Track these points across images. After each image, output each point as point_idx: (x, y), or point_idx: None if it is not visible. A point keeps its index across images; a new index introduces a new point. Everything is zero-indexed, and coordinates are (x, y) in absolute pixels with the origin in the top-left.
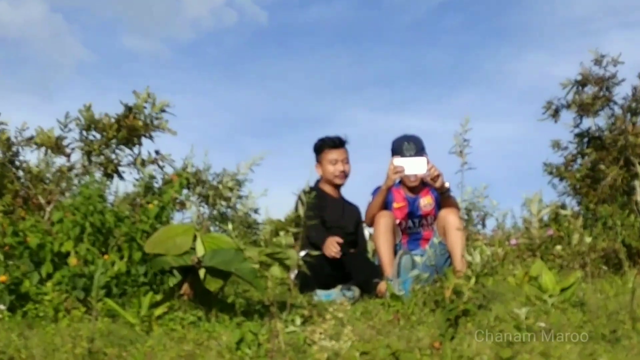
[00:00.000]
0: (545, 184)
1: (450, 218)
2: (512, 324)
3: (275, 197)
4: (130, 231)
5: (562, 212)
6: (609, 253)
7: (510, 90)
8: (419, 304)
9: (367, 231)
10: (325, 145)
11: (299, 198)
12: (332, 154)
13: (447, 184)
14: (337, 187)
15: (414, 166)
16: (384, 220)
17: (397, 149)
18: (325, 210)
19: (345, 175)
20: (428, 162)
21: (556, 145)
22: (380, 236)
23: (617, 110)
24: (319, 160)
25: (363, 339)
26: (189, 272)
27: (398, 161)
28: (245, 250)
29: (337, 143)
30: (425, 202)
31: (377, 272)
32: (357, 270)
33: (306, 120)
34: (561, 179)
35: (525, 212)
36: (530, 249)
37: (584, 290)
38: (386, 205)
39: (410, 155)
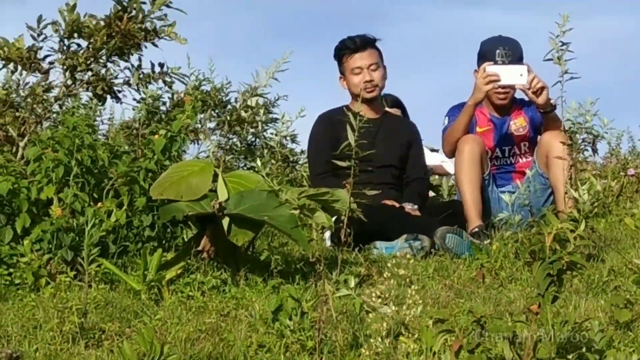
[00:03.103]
0: None
1: (555, 144)
2: (632, 278)
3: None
4: (130, 171)
5: None
6: None
7: None
8: (509, 256)
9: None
10: (344, 49)
11: (312, 134)
12: (355, 61)
13: (552, 100)
14: (370, 102)
15: (511, 75)
16: (469, 148)
17: (488, 54)
18: (339, 140)
19: (375, 85)
20: (529, 72)
21: None
22: (463, 168)
23: None
24: (342, 72)
25: (438, 302)
26: (208, 223)
27: (492, 68)
28: (281, 193)
29: (359, 45)
30: (518, 124)
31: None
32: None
33: (353, 16)
34: None
35: None
36: None
37: None
38: (469, 129)
39: (505, 63)
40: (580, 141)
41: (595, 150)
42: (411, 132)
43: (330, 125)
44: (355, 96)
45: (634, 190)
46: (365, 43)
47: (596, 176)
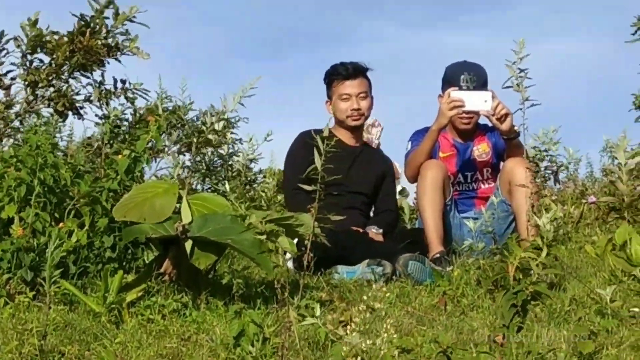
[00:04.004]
0: (631, 123)
1: (518, 171)
2: (594, 308)
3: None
4: (92, 191)
5: None
6: None
7: None
8: (471, 283)
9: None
10: (335, 75)
11: (292, 148)
12: (344, 87)
13: (517, 127)
14: (354, 130)
15: (476, 101)
16: (432, 173)
17: (452, 79)
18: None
19: (361, 114)
20: (494, 98)
21: None
22: (425, 194)
23: None
24: (329, 96)
25: (400, 329)
26: (171, 245)
27: (456, 93)
28: (246, 216)
29: (351, 72)
30: (481, 150)
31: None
32: (363, 247)
33: (318, 37)
34: None
35: (606, 159)
36: (615, 209)
37: None
38: (432, 154)
39: (470, 89)
40: (543, 169)
41: (557, 181)
42: (386, 165)
43: (310, 145)
44: (339, 121)
45: (594, 217)
46: (357, 71)
47: (555, 202)
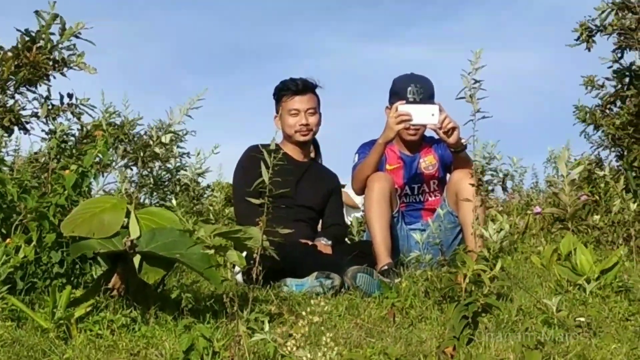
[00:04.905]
0: (576, 134)
1: (465, 182)
2: (541, 318)
3: (229, 157)
4: (40, 206)
5: (599, 172)
6: None
7: (527, 10)
8: (419, 295)
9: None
10: (285, 91)
11: (241, 162)
12: (294, 103)
13: (463, 140)
14: (302, 145)
15: (423, 115)
16: (379, 186)
17: (400, 91)
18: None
19: (310, 129)
20: (441, 111)
21: (590, 82)
22: (372, 206)
23: None
24: (278, 111)
25: (350, 342)
26: (119, 260)
27: (404, 107)
28: (195, 230)
29: (301, 88)
30: (427, 162)
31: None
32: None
33: (262, 52)
34: (596, 127)
35: (550, 170)
36: (559, 219)
37: (629, 271)
38: (378, 167)
39: (417, 102)
40: (486, 181)
41: (505, 189)
42: (334, 182)
43: (258, 158)
44: (287, 137)
45: (539, 228)
46: (306, 87)
47: (501, 212)
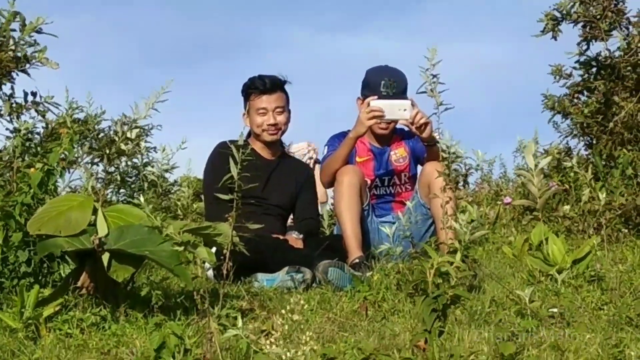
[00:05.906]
0: (544, 123)
1: (437, 174)
2: (514, 309)
3: (197, 151)
4: (5, 205)
5: (568, 161)
6: (630, 211)
7: (494, 0)
8: (391, 288)
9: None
10: (252, 89)
11: (211, 158)
12: (262, 101)
13: (436, 134)
14: (270, 144)
15: (395, 110)
16: (349, 179)
17: (372, 84)
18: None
19: (278, 129)
20: (414, 106)
21: (557, 72)
22: (342, 199)
23: (633, 30)
24: (246, 108)
25: (322, 336)
26: (87, 258)
27: (376, 102)
28: (163, 227)
29: (268, 86)
30: (398, 154)
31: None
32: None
33: (229, 44)
34: (565, 116)
35: (519, 160)
36: (530, 209)
37: (601, 260)
38: (347, 161)
39: (389, 96)
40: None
41: (466, 183)
42: (304, 175)
43: (227, 155)
44: (256, 135)
45: (510, 218)
46: (274, 86)
47: (471, 203)
